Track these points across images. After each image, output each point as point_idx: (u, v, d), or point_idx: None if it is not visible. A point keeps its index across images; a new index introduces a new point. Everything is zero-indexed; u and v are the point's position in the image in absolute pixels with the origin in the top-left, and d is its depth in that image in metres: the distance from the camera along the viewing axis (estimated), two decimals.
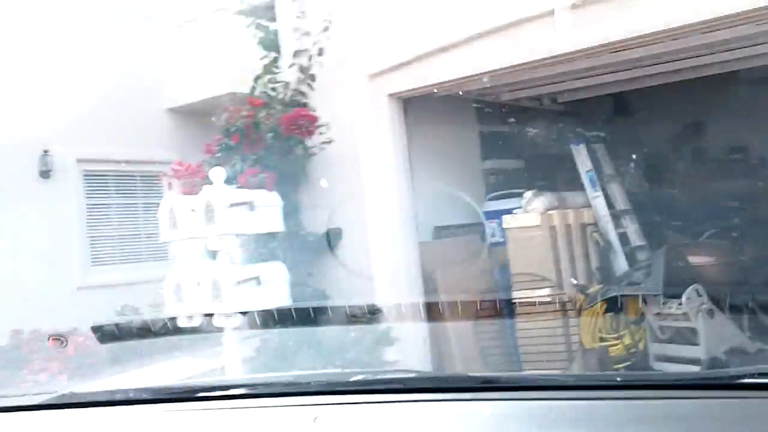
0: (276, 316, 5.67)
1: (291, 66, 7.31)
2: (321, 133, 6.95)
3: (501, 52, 5.85)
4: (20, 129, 8.67)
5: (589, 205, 7.81)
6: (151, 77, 10.20)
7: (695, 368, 5.78)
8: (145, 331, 7.83)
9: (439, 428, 1.79)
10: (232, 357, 5.69)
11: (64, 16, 9.41)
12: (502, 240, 7.42)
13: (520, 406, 1.80)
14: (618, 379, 1.95)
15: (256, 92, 7.58)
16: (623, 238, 7.88)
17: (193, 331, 5.91)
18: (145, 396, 2.18)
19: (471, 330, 6.71)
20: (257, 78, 7.65)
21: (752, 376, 1.74)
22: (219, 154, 7.14)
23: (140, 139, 10.00)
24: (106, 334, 7.80)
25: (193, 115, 9.88)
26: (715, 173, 8.71)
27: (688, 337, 6.12)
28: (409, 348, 6.50)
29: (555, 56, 5.69)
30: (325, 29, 6.72)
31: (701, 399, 1.70)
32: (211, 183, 5.79)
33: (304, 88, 7.26)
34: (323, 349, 6.07)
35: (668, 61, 6.59)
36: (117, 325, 8.05)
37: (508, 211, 7.35)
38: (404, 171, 6.91)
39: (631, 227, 8.07)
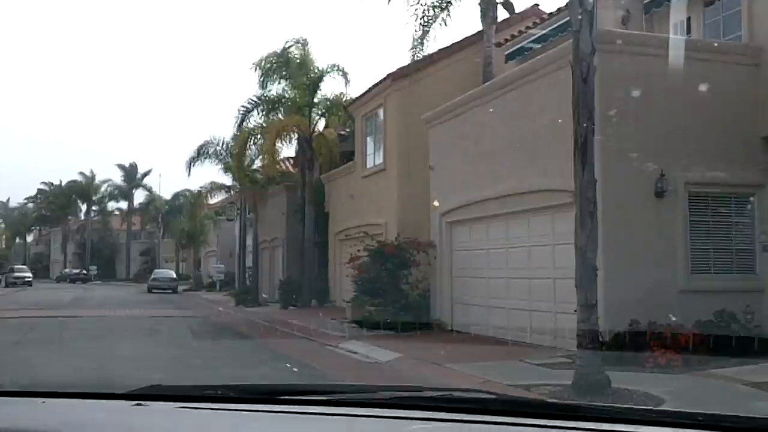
0: None
1: None
2: None
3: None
4: (641, 156, 11.04)
5: None
6: (748, 109, 11.55)
7: None
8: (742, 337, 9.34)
9: None
10: None
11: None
12: None
13: None
14: (699, 418, 1.82)
15: None
16: None
17: None
18: (230, 394, 2.24)
19: None
20: None
21: None
22: None
23: (736, 163, 11.44)
24: (706, 332, 9.61)
25: None
26: None
27: None
28: None
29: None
30: None
31: None
32: None
33: None
34: None
35: None
36: (716, 325, 9.79)
37: None
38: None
39: None
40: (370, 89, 21.87)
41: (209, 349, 13.28)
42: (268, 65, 25.81)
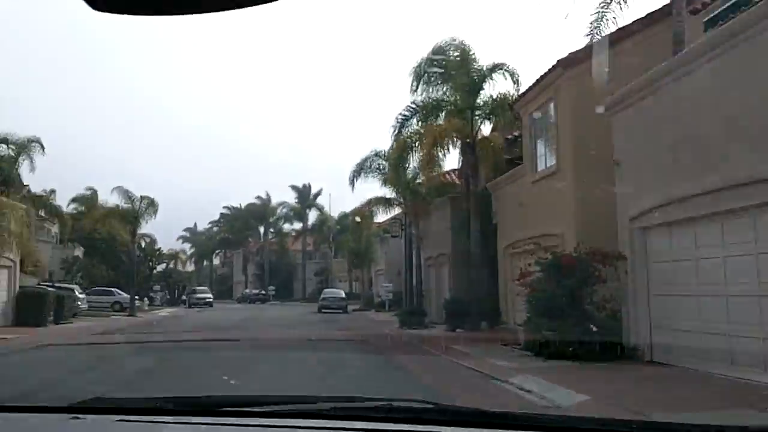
0: None
1: None
2: None
3: None
4: None
5: None
6: None
7: None
8: None
9: None
10: None
11: None
12: None
13: None
14: (633, 426, 1.93)
15: None
16: None
17: None
18: (169, 406, 2.20)
19: None
20: None
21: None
22: None
23: None
24: None
25: None
26: None
27: None
28: None
29: None
30: None
31: None
32: None
33: None
34: None
35: None
36: None
37: None
38: None
39: None
40: (538, 81, 19.26)
41: (350, 381, 11.27)
42: (423, 69, 23.99)
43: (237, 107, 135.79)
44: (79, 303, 33.26)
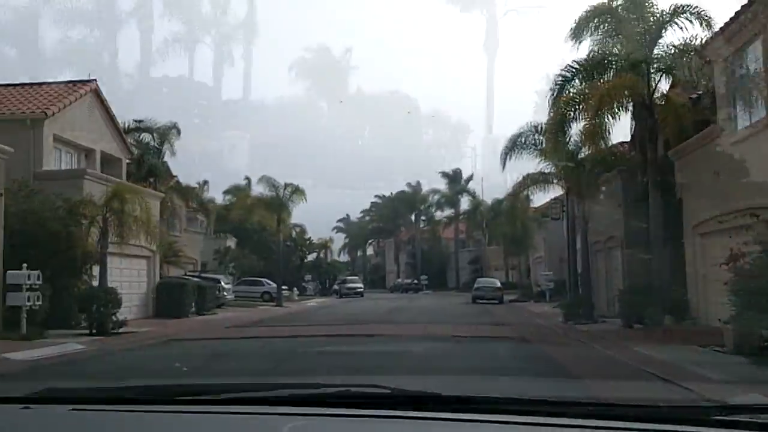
0: None
1: None
2: None
3: None
4: None
5: None
6: None
7: None
8: None
9: None
10: None
11: None
12: None
13: (492, 428, 1.85)
14: (590, 408, 1.94)
15: None
16: None
17: None
18: (123, 396, 2.25)
19: None
20: None
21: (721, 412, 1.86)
22: None
23: None
24: None
25: None
26: None
27: None
28: None
29: None
30: None
31: None
32: None
33: None
34: None
35: None
36: None
37: None
38: None
39: None
40: (737, 15, 15.31)
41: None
42: (588, 19, 20.49)
43: (380, 99, 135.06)
44: (225, 293, 32.65)
